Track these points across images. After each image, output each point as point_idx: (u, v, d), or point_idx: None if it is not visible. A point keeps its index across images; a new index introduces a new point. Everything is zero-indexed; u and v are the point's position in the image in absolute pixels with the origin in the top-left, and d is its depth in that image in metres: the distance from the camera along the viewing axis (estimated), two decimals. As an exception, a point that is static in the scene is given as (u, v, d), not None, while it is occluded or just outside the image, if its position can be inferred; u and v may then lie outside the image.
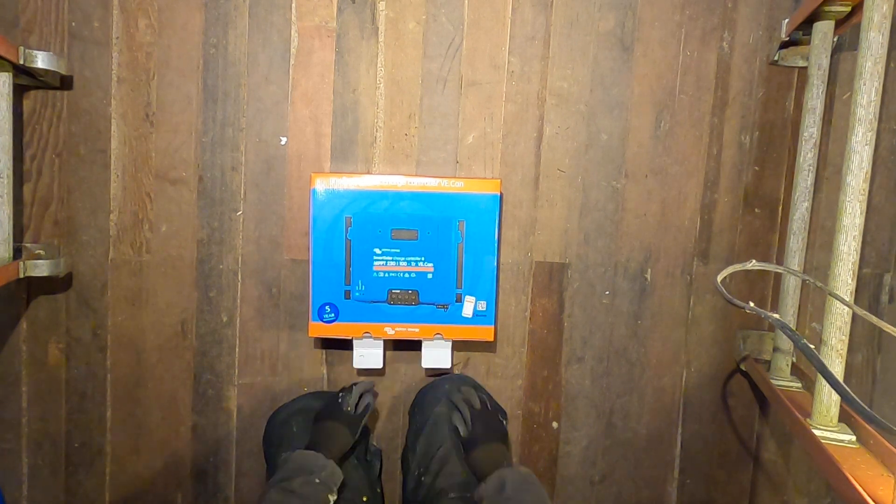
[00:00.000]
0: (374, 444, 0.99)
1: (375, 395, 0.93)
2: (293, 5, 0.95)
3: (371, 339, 0.95)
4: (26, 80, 0.90)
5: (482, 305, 0.95)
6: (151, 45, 0.94)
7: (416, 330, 0.94)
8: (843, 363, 0.72)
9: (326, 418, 0.83)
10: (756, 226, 1.01)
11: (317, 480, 0.73)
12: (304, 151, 0.97)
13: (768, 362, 0.97)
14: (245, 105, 0.96)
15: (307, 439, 0.85)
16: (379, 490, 0.92)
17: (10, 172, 0.87)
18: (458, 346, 1.00)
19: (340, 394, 0.87)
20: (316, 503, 0.71)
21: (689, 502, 1.05)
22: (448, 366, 0.97)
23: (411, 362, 1.01)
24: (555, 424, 1.04)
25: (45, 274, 0.89)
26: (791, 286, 0.93)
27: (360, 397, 0.87)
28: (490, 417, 0.86)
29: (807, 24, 0.89)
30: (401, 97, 0.97)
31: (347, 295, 0.93)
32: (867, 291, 1.00)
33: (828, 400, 0.74)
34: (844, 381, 0.69)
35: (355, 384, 0.89)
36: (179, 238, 0.97)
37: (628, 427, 1.04)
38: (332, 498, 0.73)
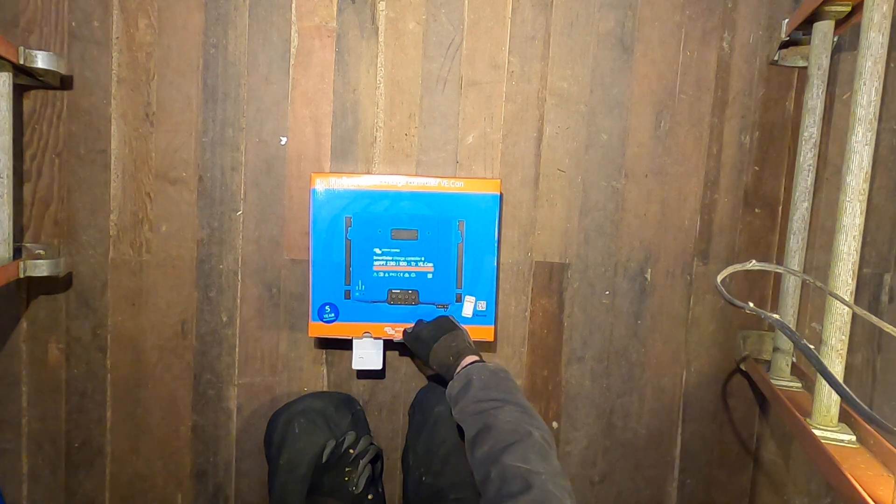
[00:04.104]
0: (374, 443, 0.99)
1: (380, 452, 0.92)
2: (293, 5, 0.95)
3: (370, 340, 0.95)
4: (26, 80, 0.90)
5: (482, 305, 0.95)
6: (151, 45, 0.94)
7: (416, 330, 0.94)
8: (843, 363, 0.72)
9: (329, 494, 0.82)
10: (756, 226, 1.01)
11: None
12: (304, 151, 0.97)
13: (768, 362, 0.97)
14: (245, 105, 0.96)
15: (310, 440, 0.85)
16: (380, 490, 0.92)
17: (10, 172, 0.87)
18: (458, 346, 1.00)
19: (348, 469, 0.85)
20: None
21: (689, 502, 1.05)
22: (448, 366, 0.97)
23: (411, 362, 1.01)
24: (555, 424, 1.04)
25: (45, 274, 0.89)
26: (791, 286, 0.93)
27: (366, 467, 0.86)
28: (440, 320, 0.86)
29: (807, 24, 0.89)
30: (401, 97, 0.97)
31: (347, 295, 0.93)
32: (867, 291, 1.00)
33: (828, 400, 0.74)
34: (844, 381, 0.69)
35: (361, 458, 0.87)
36: (179, 238, 0.97)
37: (628, 427, 1.04)
38: None
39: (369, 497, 0.84)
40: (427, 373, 1.00)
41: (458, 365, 0.79)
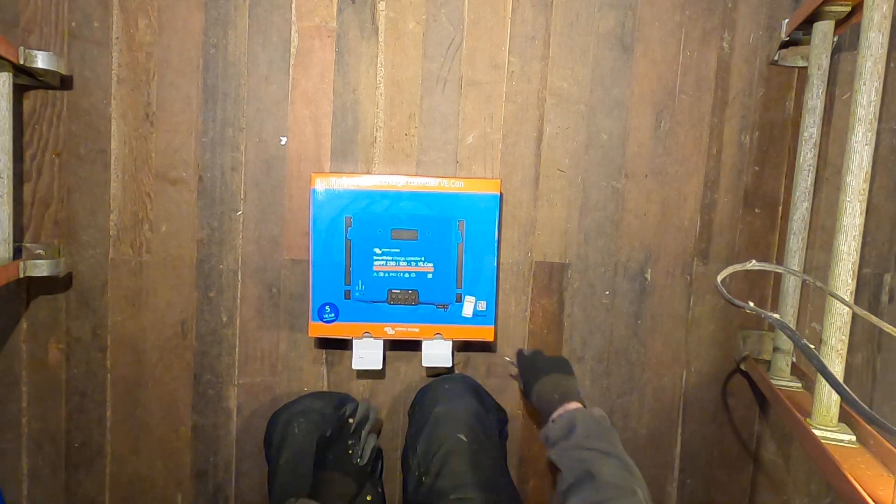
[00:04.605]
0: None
1: (380, 425, 0.93)
2: (293, 5, 0.95)
3: (370, 340, 0.95)
4: (26, 80, 0.90)
5: (482, 305, 0.95)
6: (151, 45, 0.94)
7: (416, 330, 0.95)
8: (843, 363, 0.72)
9: (333, 468, 0.82)
10: (756, 226, 1.01)
11: None
12: (304, 151, 0.97)
13: (768, 362, 0.97)
14: (245, 105, 0.96)
15: (310, 440, 0.85)
16: (380, 490, 0.92)
17: (10, 172, 0.87)
18: (458, 346, 1.00)
19: (350, 441, 0.85)
20: None
21: (689, 502, 1.05)
22: (449, 364, 0.96)
23: (411, 362, 1.01)
24: (555, 424, 1.04)
25: (45, 274, 0.89)
26: (791, 286, 0.93)
27: (368, 439, 0.87)
28: (560, 359, 0.90)
29: (807, 24, 0.89)
30: (401, 97, 0.97)
31: (347, 295, 0.93)
32: (867, 291, 1.00)
33: (828, 400, 0.74)
34: (844, 381, 0.69)
35: (362, 426, 0.87)
36: (179, 238, 0.97)
37: (628, 427, 1.04)
38: None
39: (368, 499, 0.84)
40: (518, 376, 1.00)
41: (560, 406, 0.80)
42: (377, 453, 0.94)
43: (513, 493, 0.81)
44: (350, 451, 0.84)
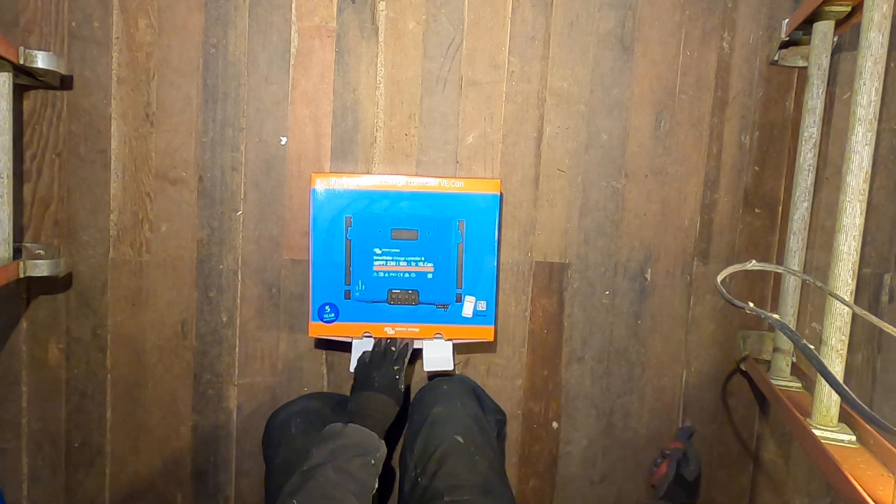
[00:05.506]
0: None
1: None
2: (293, 5, 0.95)
3: (370, 341, 0.95)
4: (26, 80, 0.90)
5: (482, 305, 0.95)
6: (151, 45, 0.94)
7: (416, 330, 0.95)
8: (843, 363, 0.72)
9: (379, 391, 0.84)
10: (756, 226, 1.01)
11: (372, 462, 0.73)
12: (304, 151, 0.97)
13: (768, 362, 0.97)
14: (245, 105, 0.96)
15: (307, 440, 0.84)
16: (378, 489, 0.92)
17: (10, 172, 0.87)
18: (458, 346, 1.00)
19: (395, 367, 0.88)
20: (369, 488, 0.71)
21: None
22: (450, 367, 0.96)
23: (411, 362, 1.01)
24: (555, 424, 1.04)
25: (45, 274, 0.89)
26: (791, 286, 0.93)
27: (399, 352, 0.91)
28: None
29: (807, 24, 0.89)
30: (401, 97, 0.97)
31: (347, 295, 0.93)
32: (867, 291, 1.00)
33: (828, 400, 0.74)
34: (844, 381, 0.69)
35: (404, 356, 0.90)
36: (179, 238, 0.97)
37: (628, 427, 1.04)
38: (376, 484, 0.73)
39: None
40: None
41: None
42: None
43: (508, 496, 0.81)
44: (397, 377, 0.87)
